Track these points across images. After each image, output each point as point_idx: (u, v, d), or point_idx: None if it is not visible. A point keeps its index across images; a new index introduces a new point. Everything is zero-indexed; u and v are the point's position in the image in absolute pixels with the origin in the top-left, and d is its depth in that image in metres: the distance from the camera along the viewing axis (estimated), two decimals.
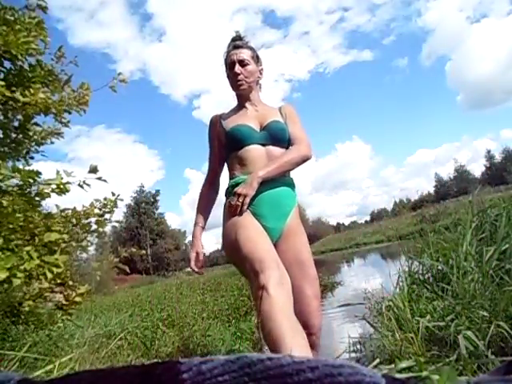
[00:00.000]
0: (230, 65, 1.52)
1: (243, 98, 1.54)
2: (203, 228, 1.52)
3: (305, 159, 1.43)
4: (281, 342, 0.93)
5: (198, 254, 1.44)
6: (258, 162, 1.38)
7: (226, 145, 1.48)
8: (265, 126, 1.45)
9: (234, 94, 1.58)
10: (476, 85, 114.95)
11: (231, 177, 1.47)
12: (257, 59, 1.56)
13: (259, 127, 1.46)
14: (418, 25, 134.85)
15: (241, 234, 1.26)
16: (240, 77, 1.49)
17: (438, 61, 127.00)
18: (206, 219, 1.53)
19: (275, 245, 1.31)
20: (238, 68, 1.48)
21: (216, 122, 1.52)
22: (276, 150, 1.42)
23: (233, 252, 1.29)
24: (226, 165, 1.54)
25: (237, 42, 1.55)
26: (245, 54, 1.51)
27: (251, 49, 1.55)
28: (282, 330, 0.96)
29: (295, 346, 0.92)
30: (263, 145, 1.41)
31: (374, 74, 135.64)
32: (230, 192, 1.43)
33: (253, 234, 1.25)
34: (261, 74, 1.59)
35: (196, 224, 1.50)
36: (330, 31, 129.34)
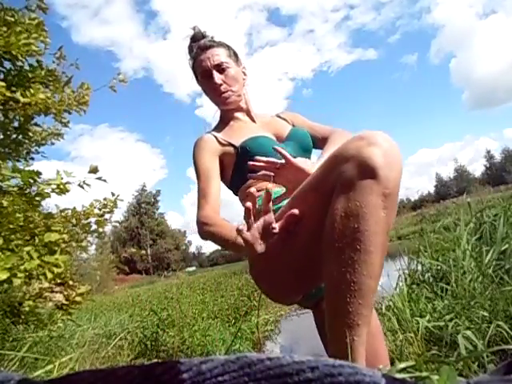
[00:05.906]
0: (202, 74, 1.15)
1: (233, 113, 1.19)
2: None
3: None
4: None
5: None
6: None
7: (235, 166, 1.09)
8: (288, 134, 1.14)
9: (216, 109, 1.22)
10: (481, 83, 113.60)
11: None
12: (235, 57, 1.20)
13: (275, 139, 1.13)
14: (427, 21, 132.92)
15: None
16: (223, 87, 1.13)
17: (446, 58, 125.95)
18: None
19: (319, 303, 0.98)
20: (217, 77, 1.12)
21: (212, 139, 1.13)
22: None
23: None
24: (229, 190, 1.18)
25: (202, 42, 1.16)
26: (220, 56, 1.14)
27: (224, 45, 1.18)
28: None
29: None
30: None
31: (377, 74, 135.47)
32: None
33: None
34: (245, 74, 1.22)
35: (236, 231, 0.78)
36: (335, 29, 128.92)
